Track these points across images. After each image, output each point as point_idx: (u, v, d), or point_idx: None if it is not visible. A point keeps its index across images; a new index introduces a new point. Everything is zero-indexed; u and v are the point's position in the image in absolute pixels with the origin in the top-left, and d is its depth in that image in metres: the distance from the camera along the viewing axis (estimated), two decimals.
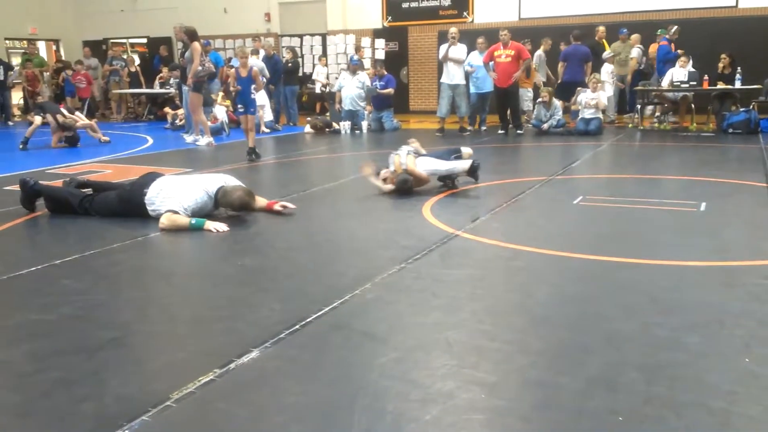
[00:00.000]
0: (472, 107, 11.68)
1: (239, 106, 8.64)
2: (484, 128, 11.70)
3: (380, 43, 16.24)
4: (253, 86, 8.49)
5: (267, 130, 12.09)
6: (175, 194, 4.90)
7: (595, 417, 2.12)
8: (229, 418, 2.17)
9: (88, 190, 5.42)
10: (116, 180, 6.29)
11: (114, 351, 2.73)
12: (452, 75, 11.25)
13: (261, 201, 5.28)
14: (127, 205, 5.09)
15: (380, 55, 16.02)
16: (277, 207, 5.27)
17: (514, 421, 2.12)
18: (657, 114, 12.20)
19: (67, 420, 2.19)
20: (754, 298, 3.20)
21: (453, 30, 11.30)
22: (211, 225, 4.77)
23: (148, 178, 5.17)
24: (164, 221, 4.78)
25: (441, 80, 11.64)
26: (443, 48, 11.30)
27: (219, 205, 5.06)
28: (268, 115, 12.51)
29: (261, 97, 12.17)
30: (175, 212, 4.80)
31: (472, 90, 11.47)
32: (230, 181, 5.19)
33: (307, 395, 2.32)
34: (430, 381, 2.39)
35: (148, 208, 5.00)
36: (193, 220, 4.80)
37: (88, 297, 3.40)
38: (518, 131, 11.08)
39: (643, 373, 2.41)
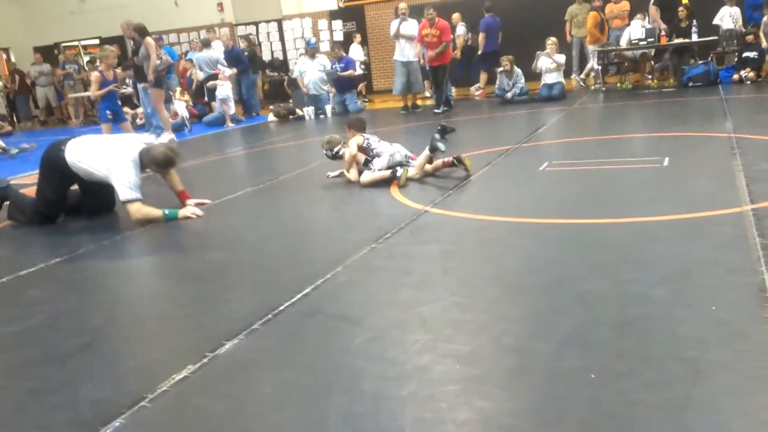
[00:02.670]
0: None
1: (108, 113, 7.61)
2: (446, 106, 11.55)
3: (337, 24, 16.09)
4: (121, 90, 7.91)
5: (232, 124, 11.94)
6: (112, 167, 4.80)
7: (569, 377, 2.13)
8: (206, 413, 2.15)
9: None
10: None
11: (85, 357, 2.69)
12: (405, 52, 10.98)
13: (177, 183, 5.27)
14: (52, 178, 5.04)
15: (338, 36, 15.89)
16: (189, 203, 5.19)
17: (489, 389, 2.12)
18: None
19: (42, 430, 2.16)
20: (720, 246, 3.24)
21: (402, 5, 10.99)
22: (187, 212, 4.83)
23: (57, 143, 5.11)
24: (137, 216, 4.78)
25: (394, 57, 11.29)
26: (394, 24, 11.00)
27: (143, 166, 4.94)
28: (232, 108, 12.34)
29: (225, 91, 12.01)
30: (140, 200, 4.79)
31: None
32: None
33: (284, 383, 2.30)
34: (405, 357, 2.38)
35: (74, 170, 4.91)
36: (167, 211, 4.81)
37: (56, 306, 3.34)
38: (435, 110, 10.78)
39: (615, 329, 2.44)
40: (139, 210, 4.76)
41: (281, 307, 2.96)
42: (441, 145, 5.37)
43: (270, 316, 2.87)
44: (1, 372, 2.64)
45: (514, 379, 2.19)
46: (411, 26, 10.87)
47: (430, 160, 5.56)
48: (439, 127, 5.61)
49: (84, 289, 3.62)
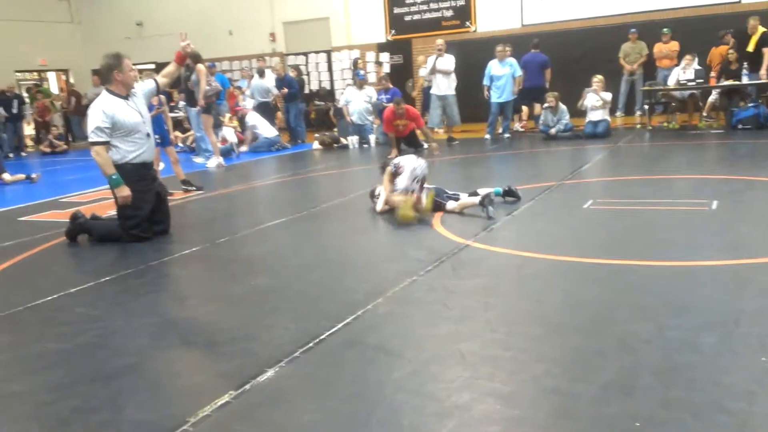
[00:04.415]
0: (492, 116, 11.75)
1: (156, 137, 6.88)
2: (507, 135, 11.69)
3: (385, 56, 16.31)
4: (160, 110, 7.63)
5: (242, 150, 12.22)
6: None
7: (613, 423, 2.10)
8: None
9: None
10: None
11: (130, 377, 2.75)
12: (441, 86, 11.40)
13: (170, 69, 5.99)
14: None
15: (385, 68, 16.08)
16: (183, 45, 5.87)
17: (530, 431, 2.11)
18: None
19: None
20: None
21: (439, 42, 11.48)
22: (119, 192, 5.08)
23: None
24: (96, 158, 5.09)
25: (431, 91, 11.81)
26: (431, 60, 11.46)
27: (110, 89, 5.20)
28: (268, 132, 12.55)
29: (252, 119, 12.36)
30: (101, 144, 5.05)
31: (493, 99, 11.49)
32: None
33: (323, 412, 2.32)
34: (445, 394, 2.38)
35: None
36: (114, 175, 5.09)
37: (103, 324, 3.43)
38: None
39: (659, 376, 2.40)
40: (99, 153, 5.08)
41: (322, 336, 2.99)
42: (492, 213, 5.25)
43: (311, 344, 2.90)
44: (48, 388, 2.71)
45: (555, 423, 2.16)
46: (447, 61, 11.25)
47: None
48: (506, 188, 5.86)
49: (131, 309, 3.71)
